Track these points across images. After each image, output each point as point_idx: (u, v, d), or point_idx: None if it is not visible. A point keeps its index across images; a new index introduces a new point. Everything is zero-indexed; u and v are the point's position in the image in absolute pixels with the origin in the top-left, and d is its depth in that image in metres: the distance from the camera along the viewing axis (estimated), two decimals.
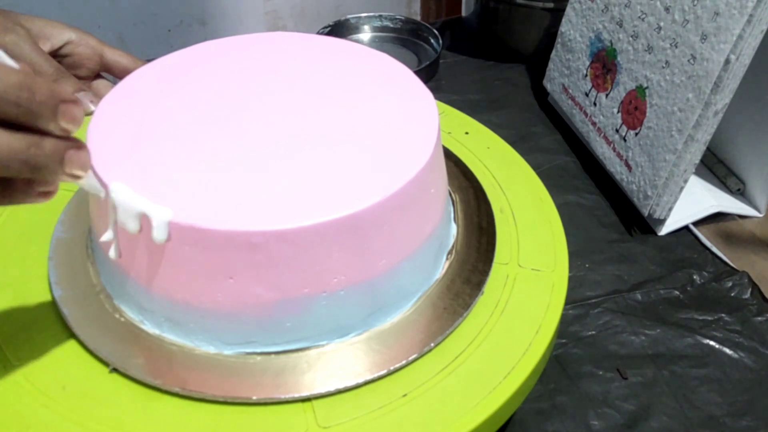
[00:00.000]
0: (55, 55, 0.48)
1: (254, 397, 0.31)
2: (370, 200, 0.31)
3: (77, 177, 0.26)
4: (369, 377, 0.32)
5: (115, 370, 0.32)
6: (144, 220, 0.30)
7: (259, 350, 0.33)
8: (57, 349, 0.33)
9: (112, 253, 0.32)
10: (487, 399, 0.32)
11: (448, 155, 0.46)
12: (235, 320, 0.32)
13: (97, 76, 0.51)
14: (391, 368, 0.33)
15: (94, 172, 0.31)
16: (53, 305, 0.35)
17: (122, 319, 0.34)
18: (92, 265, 0.37)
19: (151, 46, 1.02)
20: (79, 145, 0.26)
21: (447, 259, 0.39)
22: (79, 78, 0.50)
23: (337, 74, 0.40)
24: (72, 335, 0.34)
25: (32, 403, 0.31)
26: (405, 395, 0.32)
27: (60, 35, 0.48)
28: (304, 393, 0.32)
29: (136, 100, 0.37)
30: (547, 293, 0.38)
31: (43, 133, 0.24)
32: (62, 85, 0.45)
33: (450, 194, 0.43)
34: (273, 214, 0.30)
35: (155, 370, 0.32)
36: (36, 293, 0.36)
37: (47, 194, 0.26)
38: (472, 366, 0.34)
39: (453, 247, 0.40)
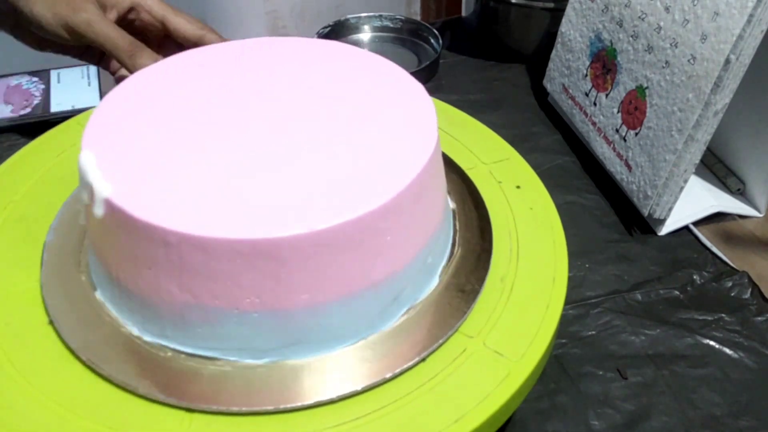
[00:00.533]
0: (124, 20, 0.48)
1: (139, 389, 0.31)
2: (292, 230, 0.29)
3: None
4: (244, 408, 0.31)
5: (51, 323, 0.34)
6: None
7: (171, 346, 0.33)
8: (49, 349, 0.34)
9: (81, 218, 0.35)
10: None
11: (470, 192, 0.43)
12: (153, 310, 0.33)
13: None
14: (279, 407, 0.31)
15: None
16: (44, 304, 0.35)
17: (83, 278, 0.36)
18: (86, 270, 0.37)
19: None
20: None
21: (406, 312, 0.35)
22: (147, 40, 0.50)
23: (334, 78, 0.39)
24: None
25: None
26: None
27: (123, 1, 0.48)
28: (184, 402, 0.31)
29: (136, 104, 0.37)
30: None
31: None
32: (137, 59, 0.45)
33: (454, 246, 0.39)
34: (196, 219, 0.30)
35: (81, 334, 0.33)
36: (30, 298, 0.36)
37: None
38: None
39: (420, 302, 0.36)
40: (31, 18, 0.45)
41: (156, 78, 0.39)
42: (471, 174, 0.44)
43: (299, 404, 0.31)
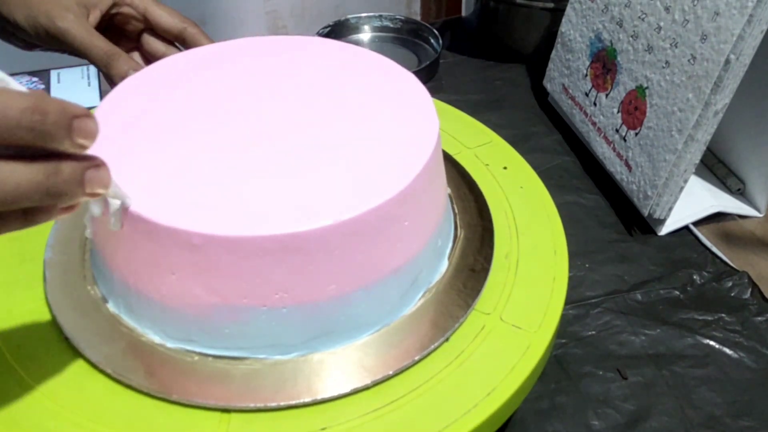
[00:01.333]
0: (106, 15, 0.49)
1: (173, 396, 0.31)
2: (318, 222, 0.30)
3: (98, 195, 0.26)
4: (281, 403, 0.31)
5: (66, 339, 0.33)
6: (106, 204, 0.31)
7: (198, 350, 0.33)
8: (58, 356, 0.33)
9: (87, 232, 0.34)
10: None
11: (461, 175, 0.44)
12: (177, 316, 0.32)
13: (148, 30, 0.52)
14: (306, 400, 0.31)
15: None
16: (50, 310, 0.35)
17: (92, 292, 0.35)
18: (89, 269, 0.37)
19: None
20: (97, 163, 0.25)
21: (423, 296, 0.36)
22: (128, 33, 0.51)
23: (335, 76, 0.40)
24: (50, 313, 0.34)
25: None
26: (323, 429, 0.31)
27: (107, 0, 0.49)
28: (221, 402, 0.31)
29: (137, 104, 0.37)
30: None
31: (59, 155, 0.24)
32: (115, 65, 0.45)
33: (456, 229, 0.40)
34: (220, 219, 0.30)
35: (99, 348, 0.33)
36: (33, 296, 0.36)
37: (70, 209, 0.26)
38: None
39: (435, 285, 0.37)
40: (14, 25, 0.46)
41: (156, 78, 0.39)
42: (458, 158, 0.46)
43: (337, 394, 0.31)
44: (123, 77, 0.45)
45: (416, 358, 0.33)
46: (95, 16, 0.48)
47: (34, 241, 0.38)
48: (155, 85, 0.38)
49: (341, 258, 0.31)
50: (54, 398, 0.31)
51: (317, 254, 0.30)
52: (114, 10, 0.49)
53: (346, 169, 0.33)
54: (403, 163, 0.33)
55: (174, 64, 0.40)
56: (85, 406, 0.31)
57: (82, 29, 0.45)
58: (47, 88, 0.66)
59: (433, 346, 0.34)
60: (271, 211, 0.30)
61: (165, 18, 0.50)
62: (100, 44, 0.46)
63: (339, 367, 0.33)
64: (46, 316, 0.35)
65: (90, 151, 0.26)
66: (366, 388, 0.32)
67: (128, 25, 0.50)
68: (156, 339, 0.33)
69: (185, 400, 0.31)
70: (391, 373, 0.33)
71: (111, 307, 0.35)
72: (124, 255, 0.32)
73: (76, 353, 0.33)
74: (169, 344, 0.33)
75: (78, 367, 0.33)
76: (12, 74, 0.69)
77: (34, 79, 0.67)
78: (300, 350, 0.33)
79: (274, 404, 0.31)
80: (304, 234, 0.30)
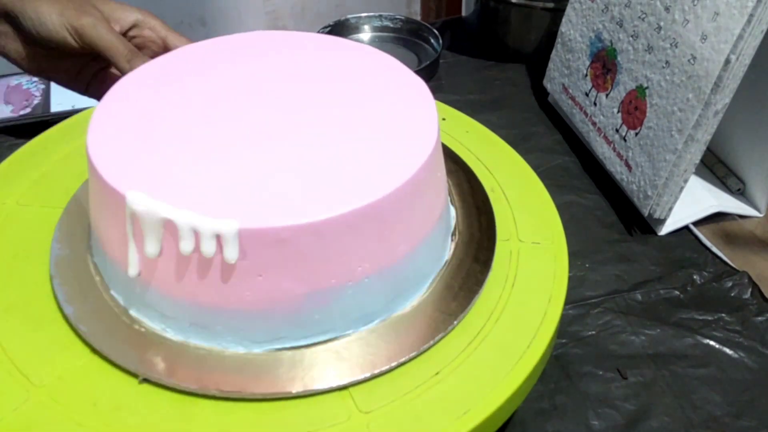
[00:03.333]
0: (124, 35, 0.50)
1: (294, 391, 0.31)
2: (389, 187, 0.32)
3: None
4: (401, 360, 0.33)
5: (145, 380, 0.32)
6: (167, 233, 0.30)
7: (288, 345, 0.33)
8: (80, 367, 0.33)
9: (132, 270, 0.32)
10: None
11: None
12: (264, 317, 0.32)
13: None
14: (422, 348, 0.34)
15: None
16: (67, 323, 0.34)
17: (142, 329, 0.34)
18: (100, 280, 0.36)
19: None
20: None
21: (452, 240, 0.40)
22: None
23: (338, 72, 0.40)
24: (94, 350, 0.33)
25: (65, 423, 0.30)
26: (437, 373, 0.33)
27: (128, 17, 0.50)
28: (342, 382, 0.32)
29: (140, 101, 0.37)
30: (551, 264, 0.39)
31: None
32: (136, 62, 0.47)
33: (451, 196, 0.43)
34: (297, 209, 0.30)
35: (188, 376, 0.32)
36: (46, 313, 0.35)
37: None
38: (496, 338, 0.35)
39: (455, 228, 0.40)
40: (35, 18, 0.46)
41: (156, 75, 0.39)
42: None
43: (431, 342, 0.34)
44: None
45: (475, 300, 0.37)
46: (116, 29, 0.49)
47: (46, 236, 0.38)
48: (156, 83, 0.38)
49: (408, 217, 0.34)
50: None
51: (390, 218, 0.32)
52: (134, 32, 0.50)
53: (376, 143, 0.35)
54: (423, 127, 0.36)
55: (175, 60, 0.40)
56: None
57: (108, 26, 0.47)
58: (47, 88, 0.66)
59: (485, 279, 0.37)
60: (339, 190, 0.32)
61: (184, 43, 0.51)
62: (124, 42, 0.47)
63: (425, 318, 0.35)
64: (56, 312, 0.34)
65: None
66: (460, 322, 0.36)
67: (146, 49, 0.51)
68: (240, 350, 0.33)
69: (309, 391, 0.32)
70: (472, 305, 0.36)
71: (172, 335, 0.33)
72: (193, 276, 0.31)
73: (180, 392, 0.32)
74: (256, 350, 0.33)
75: (175, 400, 0.32)
76: (13, 74, 0.69)
77: (35, 78, 0.67)
78: (381, 315, 0.35)
79: (395, 363, 0.33)
80: (381, 201, 0.31)
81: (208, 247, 0.30)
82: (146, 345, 0.33)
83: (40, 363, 0.33)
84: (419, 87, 0.39)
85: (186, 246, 0.30)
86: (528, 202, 0.43)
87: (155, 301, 0.33)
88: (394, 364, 0.33)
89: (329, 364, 0.33)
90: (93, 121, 0.35)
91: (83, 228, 0.38)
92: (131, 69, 0.47)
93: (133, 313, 0.34)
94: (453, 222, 0.41)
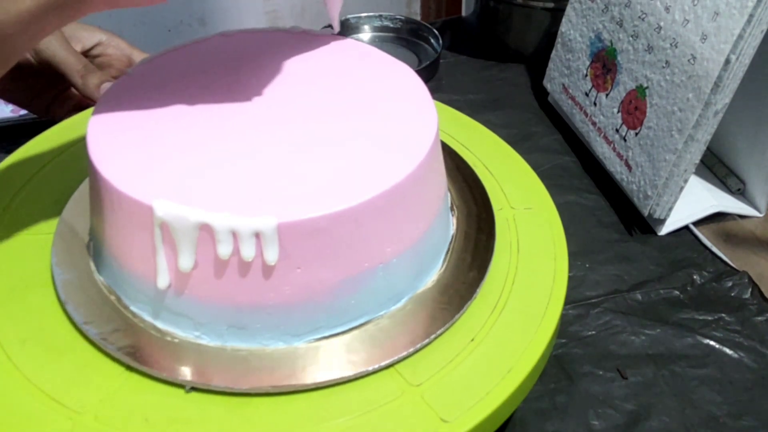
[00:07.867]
0: (87, 54, 0.50)
1: (349, 374, 0.32)
2: (407, 169, 0.33)
3: None
4: (438, 332, 0.34)
5: (193, 389, 0.31)
6: (203, 236, 0.30)
7: (327, 334, 0.34)
8: (119, 386, 0.32)
9: (162, 281, 0.31)
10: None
11: None
12: (303, 309, 0.33)
13: None
14: (456, 317, 0.35)
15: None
16: (92, 345, 0.33)
17: (176, 340, 0.33)
18: (115, 299, 0.35)
19: (151, 46, 1.02)
20: None
21: (452, 215, 0.41)
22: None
23: (338, 71, 0.40)
24: (129, 368, 0.32)
25: None
26: (472, 340, 0.34)
27: (91, 37, 0.51)
28: (388, 360, 0.33)
29: (139, 101, 0.36)
30: (548, 227, 0.41)
31: None
32: (89, 78, 0.47)
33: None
34: (329, 198, 0.31)
35: (238, 377, 0.31)
36: (66, 339, 0.33)
37: None
38: (516, 300, 0.37)
39: (452, 204, 0.42)
40: None
41: (156, 75, 0.39)
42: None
43: (462, 310, 0.35)
44: (97, 88, 0.47)
45: (484, 280, 0.38)
46: (78, 49, 0.50)
47: (43, 264, 0.37)
48: (156, 83, 0.38)
49: (425, 195, 0.35)
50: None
51: (412, 197, 0.34)
52: (98, 51, 0.50)
53: (383, 133, 0.36)
54: (422, 132, 0.37)
55: (175, 58, 0.40)
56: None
57: (61, 43, 0.47)
58: None
59: (493, 247, 0.39)
60: (360, 177, 0.32)
61: None
62: (78, 58, 0.48)
63: (447, 293, 0.37)
64: (77, 336, 0.33)
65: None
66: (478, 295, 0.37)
67: (111, 67, 0.51)
68: (280, 345, 0.33)
69: (361, 372, 0.32)
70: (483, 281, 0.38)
71: (208, 341, 0.33)
72: (231, 280, 0.31)
73: (231, 394, 0.32)
74: (297, 343, 0.33)
75: (209, 402, 0.31)
76: None
77: None
78: (408, 293, 0.36)
79: (427, 340, 0.34)
80: (403, 182, 0.32)
81: (248, 247, 0.29)
82: (184, 354, 0.33)
83: (74, 389, 0.31)
84: (416, 85, 0.40)
85: (224, 249, 0.29)
86: (511, 174, 0.45)
87: (188, 309, 0.32)
88: (432, 336, 0.34)
89: (370, 345, 0.34)
90: (90, 127, 0.34)
91: (81, 249, 0.37)
92: (85, 85, 0.48)
93: (160, 325, 0.34)
94: (439, 266, 0.40)
